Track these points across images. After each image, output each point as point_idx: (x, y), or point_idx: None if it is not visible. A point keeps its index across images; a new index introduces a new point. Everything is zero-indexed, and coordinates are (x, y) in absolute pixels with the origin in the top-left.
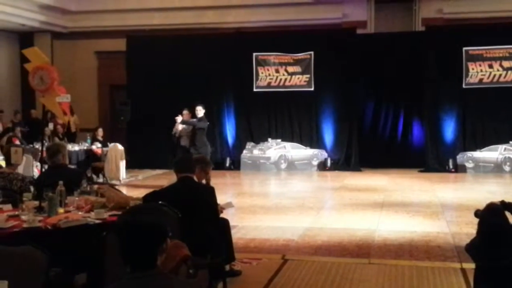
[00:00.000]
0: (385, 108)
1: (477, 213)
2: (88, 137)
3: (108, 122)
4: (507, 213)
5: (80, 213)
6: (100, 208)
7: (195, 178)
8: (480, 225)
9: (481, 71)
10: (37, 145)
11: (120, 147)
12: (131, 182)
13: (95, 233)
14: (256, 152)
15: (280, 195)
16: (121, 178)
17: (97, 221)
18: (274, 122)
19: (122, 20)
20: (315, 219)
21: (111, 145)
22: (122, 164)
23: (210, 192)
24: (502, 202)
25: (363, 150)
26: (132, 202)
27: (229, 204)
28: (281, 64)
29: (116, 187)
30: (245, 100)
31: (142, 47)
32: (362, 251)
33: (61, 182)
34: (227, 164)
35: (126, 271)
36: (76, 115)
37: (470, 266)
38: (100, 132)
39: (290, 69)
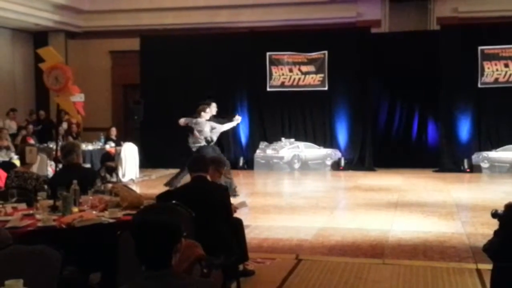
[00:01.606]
0: (400, 107)
1: (495, 213)
2: (102, 137)
3: (122, 121)
4: None
5: (94, 212)
6: (114, 207)
7: (209, 178)
8: (501, 225)
9: (497, 70)
10: (51, 144)
11: (133, 146)
12: (144, 181)
13: (109, 232)
14: (269, 151)
15: (294, 195)
16: (134, 178)
17: (111, 220)
18: (287, 122)
19: (136, 20)
20: (329, 219)
21: (124, 144)
22: (136, 163)
23: (223, 192)
24: None
25: (377, 149)
26: (145, 201)
27: (243, 204)
28: (294, 63)
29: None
30: (258, 100)
31: (155, 46)
32: (376, 251)
33: (75, 181)
34: (241, 164)
35: (141, 271)
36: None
37: (486, 267)
38: (113, 131)
39: (304, 68)
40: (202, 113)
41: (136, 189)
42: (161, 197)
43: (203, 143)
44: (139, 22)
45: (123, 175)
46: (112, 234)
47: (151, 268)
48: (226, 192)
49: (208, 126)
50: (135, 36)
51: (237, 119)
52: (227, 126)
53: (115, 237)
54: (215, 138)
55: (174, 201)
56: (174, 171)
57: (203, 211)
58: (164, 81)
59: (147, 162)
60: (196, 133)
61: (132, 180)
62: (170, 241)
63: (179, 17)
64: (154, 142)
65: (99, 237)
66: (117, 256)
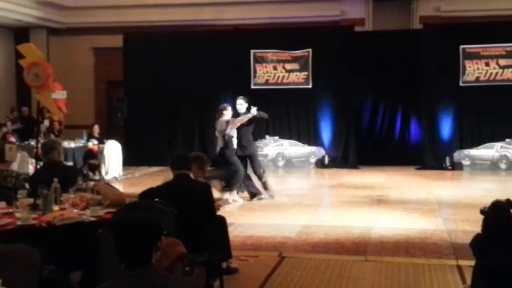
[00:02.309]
0: (383, 105)
1: (482, 210)
2: (85, 134)
3: (105, 118)
4: None
5: (75, 210)
6: (95, 206)
7: (192, 176)
8: (485, 222)
9: (478, 69)
10: (33, 142)
11: (116, 144)
12: (127, 179)
13: (91, 231)
14: None
15: (278, 193)
16: (117, 176)
17: (93, 219)
18: (271, 119)
19: (119, 16)
20: (313, 216)
21: (107, 142)
22: (119, 161)
23: (206, 189)
24: (508, 200)
25: (360, 147)
26: (128, 199)
27: (226, 201)
28: (279, 61)
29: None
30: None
31: (139, 43)
32: (359, 248)
33: (56, 179)
34: None
35: (121, 269)
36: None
37: (466, 263)
38: (96, 129)
39: (288, 66)
40: (224, 112)
41: (120, 187)
42: (143, 195)
43: (222, 144)
44: (123, 19)
45: (106, 173)
46: (94, 232)
47: (131, 266)
48: (209, 189)
49: (224, 125)
50: (118, 33)
51: (253, 112)
52: (242, 118)
53: (97, 236)
54: (233, 134)
55: (156, 199)
56: (157, 169)
57: (186, 209)
58: (148, 78)
59: (130, 160)
60: (216, 134)
61: (115, 178)
62: (150, 239)
63: (163, 14)
64: (137, 140)
65: (80, 236)
66: (98, 255)
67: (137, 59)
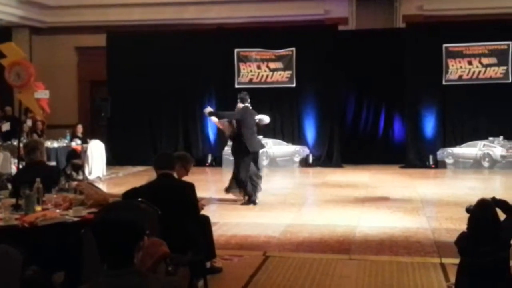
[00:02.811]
0: (367, 104)
1: (468, 209)
2: (68, 134)
3: (88, 118)
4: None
5: (58, 210)
6: (78, 206)
7: (175, 175)
8: (470, 220)
9: (461, 67)
10: (15, 142)
11: (100, 143)
12: (111, 179)
13: (73, 231)
14: None
15: (262, 192)
16: (101, 175)
17: (75, 219)
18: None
19: (102, 15)
20: (297, 215)
21: (91, 141)
22: (103, 161)
23: (190, 189)
24: (493, 199)
25: (344, 146)
26: (111, 199)
27: (210, 200)
28: (262, 60)
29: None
30: (226, 96)
31: (122, 42)
32: (343, 247)
33: (38, 179)
34: (209, 161)
35: (103, 269)
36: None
37: (449, 261)
38: (79, 128)
39: (272, 65)
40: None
41: (103, 187)
42: (127, 195)
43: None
44: (106, 18)
45: (90, 173)
46: (76, 232)
47: (113, 267)
48: (193, 189)
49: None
50: (101, 32)
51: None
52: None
53: (79, 236)
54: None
55: (140, 199)
56: (141, 168)
57: (169, 209)
58: (132, 77)
59: (114, 159)
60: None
61: (99, 178)
62: (131, 239)
63: (146, 13)
64: (121, 139)
65: (62, 236)
66: (81, 255)
67: (121, 59)
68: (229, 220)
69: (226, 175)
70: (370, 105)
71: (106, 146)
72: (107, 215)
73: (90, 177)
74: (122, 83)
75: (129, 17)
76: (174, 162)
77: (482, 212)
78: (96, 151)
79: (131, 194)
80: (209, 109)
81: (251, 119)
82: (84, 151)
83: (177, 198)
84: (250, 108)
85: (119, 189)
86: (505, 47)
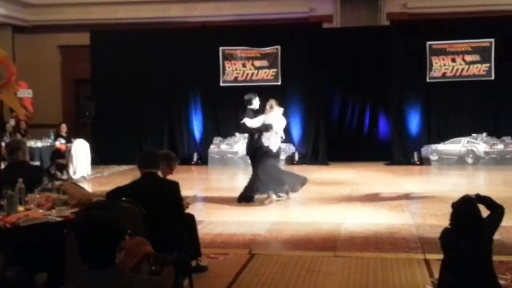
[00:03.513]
0: (352, 102)
1: (453, 205)
2: (52, 133)
3: (72, 117)
4: (481, 207)
5: (40, 211)
6: (61, 206)
7: (160, 174)
8: (453, 216)
9: (444, 65)
10: None
11: (85, 143)
12: (96, 179)
13: (56, 231)
14: (223, 146)
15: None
16: (86, 175)
17: (59, 219)
18: (241, 117)
19: (86, 14)
20: (282, 213)
21: (75, 141)
22: (87, 160)
23: (174, 188)
24: (477, 195)
25: (330, 144)
26: (95, 198)
27: (194, 198)
28: (248, 58)
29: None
30: (212, 95)
31: (106, 41)
32: (328, 244)
33: (20, 180)
34: (195, 159)
35: (84, 270)
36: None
37: (433, 257)
38: (63, 127)
39: (257, 63)
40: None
41: (88, 186)
42: (111, 194)
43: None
44: (89, 16)
45: (74, 173)
46: (59, 233)
47: (94, 267)
48: (177, 188)
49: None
50: (85, 30)
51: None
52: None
53: (62, 236)
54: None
55: (124, 198)
56: (127, 167)
57: (154, 208)
58: (116, 76)
59: (99, 159)
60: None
61: (83, 177)
62: (112, 239)
63: (130, 12)
64: (106, 139)
65: (45, 236)
66: (64, 256)
67: (105, 57)
68: (214, 219)
69: (212, 173)
70: (355, 103)
71: (91, 145)
72: (87, 215)
73: (75, 177)
74: (107, 82)
75: (113, 16)
76: (158, 161)
77: (464, 208)
78: (81, 150)
79: (115, 193)
80: None
81: None
82: (69, 150)
83: (162, 197)
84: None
85: (104, 189)
86: (488, 44)
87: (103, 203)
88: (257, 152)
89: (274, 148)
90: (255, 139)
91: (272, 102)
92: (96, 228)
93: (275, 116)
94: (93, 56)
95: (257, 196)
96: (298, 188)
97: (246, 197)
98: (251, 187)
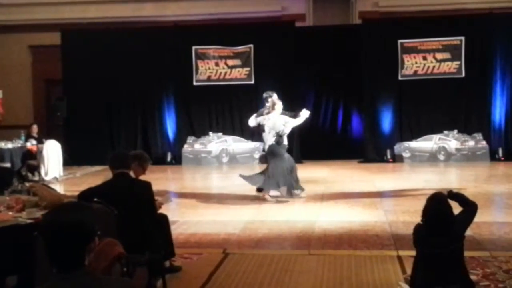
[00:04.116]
0: (325, 100)
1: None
2: (22, 134)
3: (44, 118)
4: (454, 203)
5: (10, 213)
6: (32, 207)
7: (132, 174)
8: (424, 212)
9: (416, 63)
10: None
11: (56, 143)
12: (69, 180)
13: (26, 233)
14: (197, 146)
15: (222, 189)
16: (58, 176)
17: (29, 221)
18: (215, 116)
19: (56, 13)
20: (257, 212)
21: (47, 142)
22: (59, 161)
23: (146, 188)
24: (450, 192)
25: (304, 142)
26: (66, 200)
27: (167, 198)
28: (220, 57)
29: (52, 185)
30: (185, 94)
31: (78, 41)
32: (302, 242)
33: None
34: (168, 159)
35: (53, 273)
36: None
37: (406, 253)
38: (34, 128)
39: (230, 62)
40: (276, 107)
41: (61, 187)
42: (82, 195)
43: (273, 141)
44: (60, 16)
45: (46, 174)
46: (30, 235)
47: (62, 269)
48: (149, 188)
49: (282, 120)
50: (56, 30)
51: (305, 113)
52: (298, 121)
53: (33, 239)
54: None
55: (96, 199)
56: (100, 168)
57: (126, 208)
58: (88, 76)
59: (71, 159)
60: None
61: (55, 178)
62: (80, 241)
63: (101, 11)
64: (78, 139)
65: (15, 239)
66: (34, 258)
67: (76, 57)
68: (188, 219)
69: (186, 173)
70: (329, 101)
71: (63, 146)
72: (55, 217)
73: (47, 178)
74: (79, 82)
75: (84, 15)
76: (130, 161)
77: (435, 204)
78: (52, 151)
79: (86, 194)
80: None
81: None
82: (40, 151)
83: (134, 197)
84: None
85: (77, 190)
86: (458, 42)
87: (71, 204)
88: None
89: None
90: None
91: (273, 99)
92: (63, 230)
93: (275, 115)
94: (64, 56)
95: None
96: (292, 193)
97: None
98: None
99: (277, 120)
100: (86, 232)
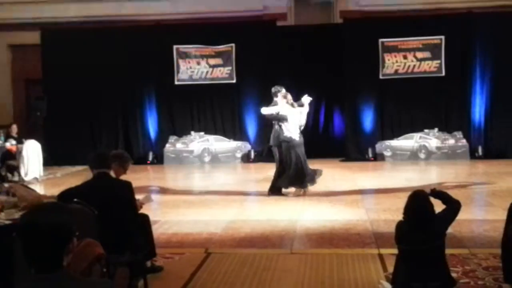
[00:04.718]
0: None
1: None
2: (2, 134)
3: (24, 117)
4: (437, 201)
5: None
6: (10, 208)
7: (113, 174)
8: (405, 209)
9: (397, 62)
10: None
11: (36, 143)
12: (49, 180)
13: (5, 235)
14: (179, 145)
15: (204, 189)
16: (38, 176)
17: (7, 222)
18: (196, 115)
19: (36, 12)
20: (239, 211)
21: (26, 141)
22: (39, 161)
23: (127, 188)
24: (433, 190)
25: None
26: (45, 200)
27: (148, 198)
28: (202, 56)
29: (32, 185)
30: (166, 94)
31: (58, 40)
32: (284, 241)
33: None
34: (150, 159)
35: (31, 274)
36: None
37: (387, 251)
38: (14, 128)
39: (212, 61)
40: (287, 97)
41: (41, 187)
42: (62, 196)
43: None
44: (40, 15)
45: (26, 174)
46: (9, 236)
47: (40, 271)
48: (130, 187)
49: (298, 111)
50: (35, 29)
51: (306, 99)
52: (306, 109)
53: (11, 240)
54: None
55: (76, 200)
56: (81, 168)
57: (106, 209)
58: (68, 75)
59: (51, 159)
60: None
61: (36, 178)
62: (59, 241)
63: (82, 10)
64: (59, 139)
65: None
66: (13, 259)
67: (57, 56)
68: (170, 218)
69: (167, 172)
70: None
71: (43, 146)
72: (32, 218)
73: (27, 178)
74: (59, 82)
75: (64, 14)
76: (110, 161)
77: (416, 201)
78: (32, 151)
79: (66, 195)
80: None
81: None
82: (19, 151)
83: (114, 197)
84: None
85: (57, 190)
86: (438, 41)
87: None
88: (281, 144)
89: (296, 137)
90: (277, 130)
91: (283, 91)
92: (41, 231)
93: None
94: (44, 55)
95: (288, 190)
96: (316, 181)
97: (277, 188)
98: (282, 179)
99: (295, 111)
100: (64, 233)
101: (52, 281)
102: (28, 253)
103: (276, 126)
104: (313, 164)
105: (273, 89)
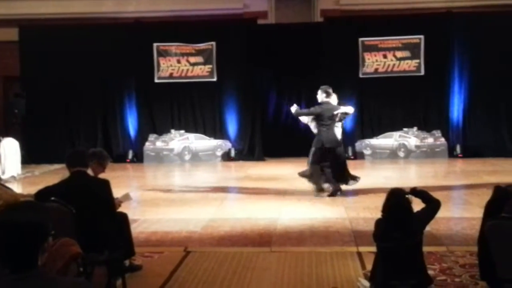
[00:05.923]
0: (287, 97)
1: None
2: None
3: (1, 115)
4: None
5: None
6: None
7: (90, 172)
8: (383, 207)
9: (376, 61)
10: None
11: (14, 141)
12: (27, 178)
13: None
14: (159, 143)
15: (184, 187)
16: (16, 175)
17: None
18: (177, 113)
19: (13, 9)
20: (219, 210)
21: (4, 139)
22: (17, 159)
23: (104, 186)
24: (414, 189)
25: (266, 139)
26: (22, 199)
27: (127, 196)
28: (182, 54)
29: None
30: (146, 91)
31: (36, 37)
32: (264, 240)
33: None
34: (130, 157)
35: (5, 273)
36: None
37: (366, 249)
38: None
39: (192, 59)
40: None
41: (19, 186)
42: (39, 194)
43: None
44: (17, 11)
45: (3, 172)
46: None
47: (14, 270)
48: (107, 186)
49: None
50: (13, 26)
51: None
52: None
53: None
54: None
55: (53, 198)
56: (59, 166)
57: (84, 207)
58: (47, 73)
59: (29, 157)
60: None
61: (13, 177)
62: (34, 240)
63: (60, 7)
64: (37, 137)
65: None
66: None
67: (35, 53)
68: (149, 217)
69: (147, 171)
70: (291, 98)
71: (21, 144)
72: (7, 217)
73: (4, 177)
74: (37, 79)
75: (43, 10)
76: (87, 159)
77: (394, 199)
78: (10, 149)
79: (43, 193)
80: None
81: (327, 114)
82: None
83: (92, 195)
84: (329, 102)
85: (35, 188)
86: (418, 40)
87: (25, 204)
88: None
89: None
90: (334, 130)
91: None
92: (15, 230)
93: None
94: (22, 53)
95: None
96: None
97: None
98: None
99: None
100: (39, 232)
101: (26, 281)
102: (2, 252)
103: (335, 127)
104: (292, 163)
105: (328, 89)
